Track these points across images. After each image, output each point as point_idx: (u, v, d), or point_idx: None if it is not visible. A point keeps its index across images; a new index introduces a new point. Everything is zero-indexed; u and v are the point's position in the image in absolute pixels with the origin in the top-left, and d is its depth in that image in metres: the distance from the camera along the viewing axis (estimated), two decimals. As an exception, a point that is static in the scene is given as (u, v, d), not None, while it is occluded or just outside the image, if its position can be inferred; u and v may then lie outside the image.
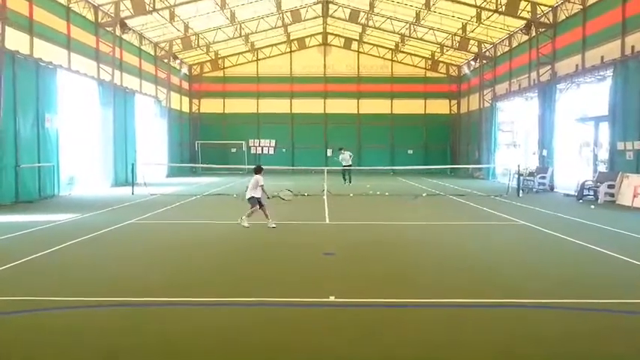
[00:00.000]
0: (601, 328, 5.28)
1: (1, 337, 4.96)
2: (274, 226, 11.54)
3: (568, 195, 19.83)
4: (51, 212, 14.20)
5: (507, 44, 29.74)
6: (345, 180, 25.34)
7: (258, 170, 12.29)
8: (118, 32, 25.74)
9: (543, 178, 22.56)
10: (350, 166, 25.94)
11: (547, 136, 23.44)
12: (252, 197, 11.84)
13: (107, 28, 24.68)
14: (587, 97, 22.70)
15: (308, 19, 34.53)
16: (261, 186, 11.89)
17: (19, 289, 6.58)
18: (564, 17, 22.90)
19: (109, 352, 4.56)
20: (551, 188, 22.35)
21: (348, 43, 39.78)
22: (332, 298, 6.15)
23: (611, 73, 18.60)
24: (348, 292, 6.53)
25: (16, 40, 17.37)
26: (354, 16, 32.91)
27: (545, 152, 23.50)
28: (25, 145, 17.32)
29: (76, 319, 5.50)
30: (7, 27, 16.15)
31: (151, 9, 25.11)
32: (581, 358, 4.56)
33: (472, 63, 34.28)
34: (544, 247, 9.69)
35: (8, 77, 16.32)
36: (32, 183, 17.73)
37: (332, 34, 39.41)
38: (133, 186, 20.49)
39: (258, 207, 11.82)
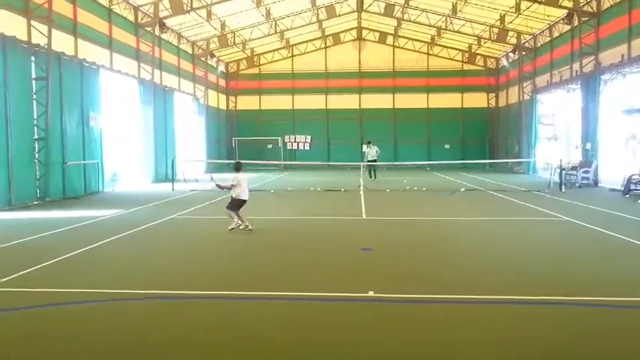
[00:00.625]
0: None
1: (47, 328, 5.20)
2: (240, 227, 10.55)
3: (613, 190, 19.15)
4: (96, 208, 14.70)
5: (548, 35, 28.88)
6: (371, 176, 24.78)
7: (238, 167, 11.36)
8: (157, 32, 26.31)
9: (587, 172, 21.85)
10: (375, 161, 25.57)
11: (591, 129, 22.67)
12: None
13: (147, 28, 25.27)
14: (634, 88, 21.82)
15: (342, 15, 34.44)
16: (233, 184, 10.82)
17: (67, 281, 6.86)
18: (609, 5, 22.06)
19: (149, 343, 4.71)
20: (596, 183, 21.63)
21: (383, 37, 39.46)
22: (371, 294, 6.16)
23: (660, 63, 17.84)
24: (388, 287, 6.53)
25: (61, 42, 18.00)
26: (389, 10, 32.61)
27: (588, 145, 22.74)
28: (71, 143, 17.97)
29: (118, 312, 5.71)
30: (53, 29, 16.75)
31: (188, 8, 25.55)
32: (627, 357, 4.44)
33: (511, 55, 33.46)
34: (589, 244, 9.42)
35: (55, 78, 16.94)
36: (78, 180, 18.39)
37: (367, 28, 39.18)
38: (173, 182, 20.98)
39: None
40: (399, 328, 5.09)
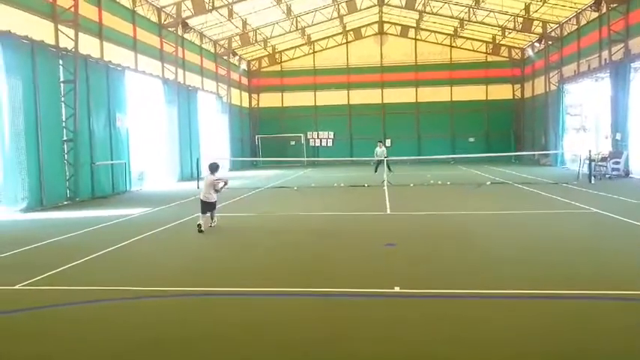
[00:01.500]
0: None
1: (72, 323, 5.34)
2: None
3: (645, 180, 18.64)
4: (124, 207, 14.99)
5: (575, 23, 28.21)
6: (376, 170, 25.47)
7: (214, 168, 11.04)
8: (180, 32, 26.63)
9: (617, 163, 21.31)
10: (386, 157, 25.67)
11: (621, 119, 22.09)
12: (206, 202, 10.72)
13: (170, 29, 25.59)
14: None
15: (363, 9, 34.27)
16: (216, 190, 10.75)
17: (97, 278, 7.02)
18: (638, -9, 21.44)
19: (179, 339, 4.79)
20: (627, 174, 21.08)
21: (404, 30, 39.14)
22: (397, 289, 6.14)
23: (694, 49, 17.25)
24: (413, 283, 6.50)
25: (87, 45, 18.37)
26: (410, 3, 32.32)
27: (619, 136, 22.17)
28: (99, 144, 18.35)
29: (145, 309, 5.82)
30: (79, 33, 17.10)
31: (210, 8, 25.78)
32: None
33: (536, 45, 32.80)
34: (621, 236, 9.19)
35: (82, 80, 17.31)
36: (106, 179, 18.78)
37: (388, 22, 38.90)
38: (198, 180, 21.21)
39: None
40: (425, 325, 5.05)
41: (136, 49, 22.66)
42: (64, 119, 16.64)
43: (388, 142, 37.93)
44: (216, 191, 10.78)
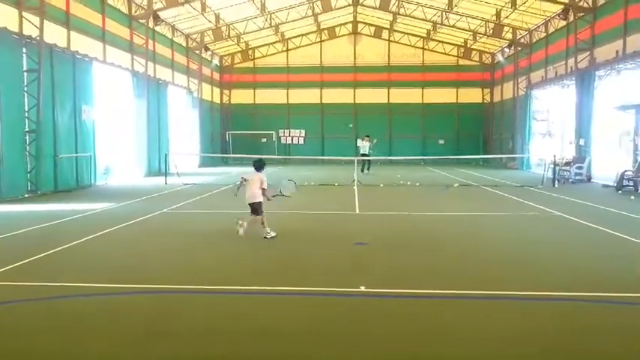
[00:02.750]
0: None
1: (34, 321, 5.14)
2: (274, 234, 9.23)
3: (606, 186, 19.22)
4: (88, 201, 14.61)
5: (543, 30, 28.88)
6: (362, 170, 24.82)
7: (260, 166, 9.57)
8: (150, 24, 26.12)
9: (580, 168, 21.92)
10: (366, 155, 25.86)
11: (584, 125, 22.72)
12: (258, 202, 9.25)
13: (140, 21, 25.05)
14: (628, 85, 21.87)
15: (338, 8, 34.30)
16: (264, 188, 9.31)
17: (57, 275, 6.79)
18: (604, 1, 22.07)
19: (138, 336, 4.67)
20: (589, 179, 21.69)
21: (378, 31, 39.36)
22: (363, 289, 6.13)
23: (654, 59, 17.87)
24: (380, 282, 6.51)
25: (53, 34, 17.81)
26: (384, 4, 32.50)
27: (582, 141, 22.79)
28: (63, 136, 17.83)
29: (108, 305, 5.66)
30: (45, 21, 16.56)
31: (182, 1, 25.36)
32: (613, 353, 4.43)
33: (506, 50, 33.45)
34: (581, 239, 9.44)
35: (47, 70, 16.77)
36: (70, 173, 18.26)
37: (362, 22, 39.05)
38: (166, 176, 20.87)
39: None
40: (389, 323, 5.06)
41: (104, 40, 22.09)
42: (26, 109, 16.09)
43: (359, 142, 38.10)
44: (263, 191, 9.24)
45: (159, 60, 28.06)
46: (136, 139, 24.25)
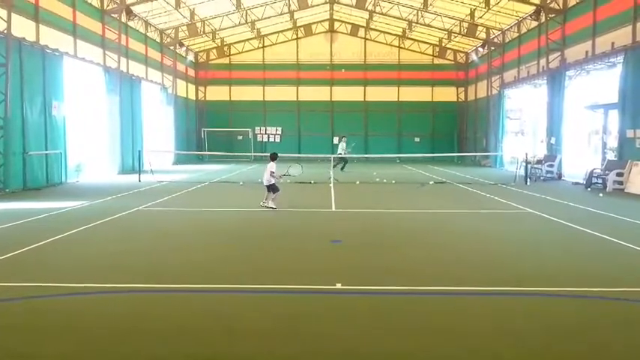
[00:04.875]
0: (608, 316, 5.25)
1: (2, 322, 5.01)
2: (274, 207, 12.39)
3: (576, 183, 19.69)
4: (58, 199, 14.27)
5: (516, 30, 29.38)
6: (334, 166, 24.78)
7: (273, 157, 12.97)
8: (123, 19, 25.66)
9: (551, 166, 22.41)
10: (340, 154, 25.99)
11: (555, 124, 23.23)
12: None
13: (113, 15, 24.58)
14: (597, 85, 22.43)
15: (314, 6, 34.26)
16: (272, 172, 12.54)
17: (24, 275, 6.62)
18: (574, 3, 22.57)
19: (112, 336, 4.58)
20: (559, 176, 22.19)
21: (354, 29, 39.46)
22: (338, 286, 6.15)
23: (622, 60, 18.34)
24: (355, 279, 6.52)
25: (22, 27, 17.34)
26: (361, 3, 32.59)
27: (553, 140, 23.30)
28: (33, 133, 17.38)
29: (79, 305, 5.53)
30: (13, 14, 16.10)
31: (156, -5, 24.99)
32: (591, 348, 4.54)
33: (480, 50, 33.92)
34: (550, 235, 9.64)
35: (15, 65, 16.33)
36: (40, 170, 17.82)
37: (339, 20, 39.09)
38: (139, 173, 20.55)
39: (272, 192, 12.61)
40: (364, 320, 5.08)
41: (75, 35, 21.59)
42: (-7, 105, 15.65)
43: (336, 140, 38.21)
44: (272, 176, 12.49)
45: (132, 55, 27.59)
46: (109, 136, 23.81)
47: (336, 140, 26.60)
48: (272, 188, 12.60)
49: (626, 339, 4.64)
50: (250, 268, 7.15)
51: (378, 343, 4.52)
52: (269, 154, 13.09)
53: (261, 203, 12.74)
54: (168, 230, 10.04)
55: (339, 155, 26.04)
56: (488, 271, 6.98)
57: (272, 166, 12.61)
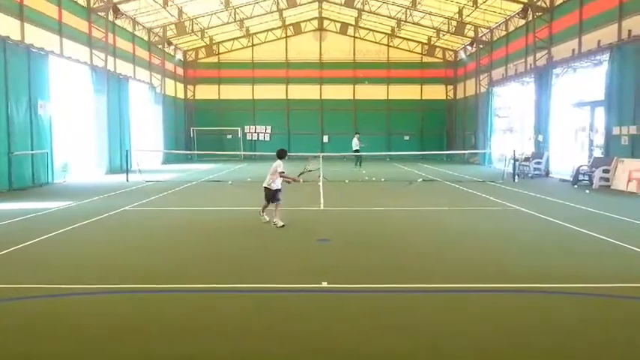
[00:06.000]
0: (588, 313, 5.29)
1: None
2: (282, 223, 9.97)
3: (564, 180, 19.85)
4: (44, 200, 14.13)
5: (504, 28, 29.54)
6: (355, 164, 27.93)
7: (281, 154, 10.59)
8: (110, 17, 25.45)
9: (539, 163, 22.56)
10: (357, 151, 27.96)
11: (543, 121, 23.39)
12: (267, 188, 10.21)
13: (99, 13, 24.36)
14: (584, 82, 22.60)
15: (303, 4, 34.23)
16: (281, 172, 10.24)
17: (7, 277, 6.54)
18: (561, 1, 22.74)
19: (98, 337, 4.54)
20: (547, 173, 22.35)
21: (344, 28, 39.46)
22: (324, 284, 6.14)
23: (608, 58, 18.51)
24: (342, 278, 6.52)
25: (6, 26, 17.14)
26: (349, 1, 32.60)
27: (540, 137, 23.46)
28: (18, 132, 17.17)
29: (66, 306, 5.48)
30: (-3, 12, 15.93)
31: (143, -7, 24.81)
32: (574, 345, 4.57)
33: (468, 48, 34.08)
34: (535, 232, 9.70)
35: (0, 63, 16.12)
36: (26, 170, 17.62)
37: (328, 19, 39.07)
38: (127, 173, 20.39)
39: (270, 202, 10.24)
40: (351, 318, 5.07)
41: (61, 33, 21.37)
42: (-23, 105, 15.45)
43: (326, 139, 38.34)
44: (282, 176, 10.24)
45: (119, 54, 27.37)
46: (97, 136, 23.61)
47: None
48: (273, 196, 10.15)
49: (605, 334, 4.68)
50: (234, 268, 7.11)
51: (368, 342, 4.51)
52: (276, 152, 10.72)
53: (262, 218, 10.40)
54: (153, 230, 9.97)
55: (356, 153, 27.64)
56: (474, 269, 7.00)
57: (280, 165, 10.25)
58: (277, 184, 10.17)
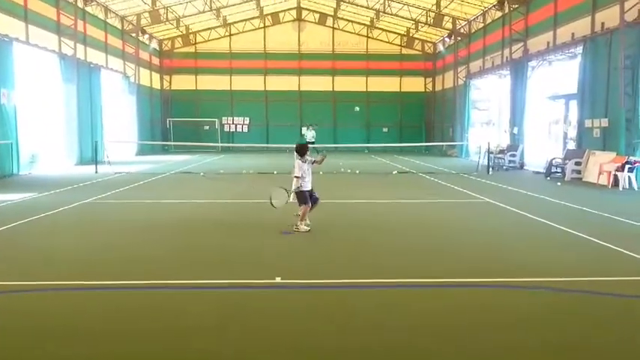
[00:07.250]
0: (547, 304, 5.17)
1: None
2: (306, 228, 8.70)
3: (537, 172, 19.92)
4: (6, 191, 13.66)
5: (481, 21, 29.50)
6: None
7: (301, 150, 9.02)
8: (80, 4, 24.74)
9: (513, 155, 22.63)
10: (312, 143, 26.32)
11: (518, 114, 23.44)
12: (300, 192, 8.75)
13: (68, 0, 23.64)
14: (559, 75, 22.71)
15: (281, -7, 33.75)
16: (313, 162, 9.09)
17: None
18: (537, -7, 22.73)
19: (44, 334, 4.27)
20: (521, 166, 22.43)
21: (322, 18, 39.07)
22: (278, 280, 5.92)
23: (581, 50, 18.54)
24: (298, 273, 6.31)
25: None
26: (327, -9, 32.24)
27: (515, 130, 23.53)
28: (-21, 122, 16.60)
29: (14, 303, 5.18)
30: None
31: (114, -20, 24.15)
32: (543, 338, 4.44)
33: (447, 40, 34.00)
34: (503, 224, 9.63)
35: (-42, 50, 15.53)
36: (-12, 161, 17.07)
37: (306, 9, 38.65)
38: (96, 164, 19.90)
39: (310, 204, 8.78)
40: (303, 315, 4.88)
41: (27, 20, 20.67)
42: None
43: (304, 130, 38.01)
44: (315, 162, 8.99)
45: (90, 42, 26.66)
46: (66, 126, 23.01)
47: (304, 130, 26.67)
48: (310, 196, 8.84)
49: (571, 329, 4.56)
50: (191, 262, 6.86)
51: (315, 337, 4.32)
52: (295, 146, 9.20)
53: (304, 227, 8.69)
54: (113, 223, 9.62)
55: (311, 144, 26.31)
56: (439, 262, 6.86)
57: (301, 165, 8.82)
58: (307, 184, 8.81)
